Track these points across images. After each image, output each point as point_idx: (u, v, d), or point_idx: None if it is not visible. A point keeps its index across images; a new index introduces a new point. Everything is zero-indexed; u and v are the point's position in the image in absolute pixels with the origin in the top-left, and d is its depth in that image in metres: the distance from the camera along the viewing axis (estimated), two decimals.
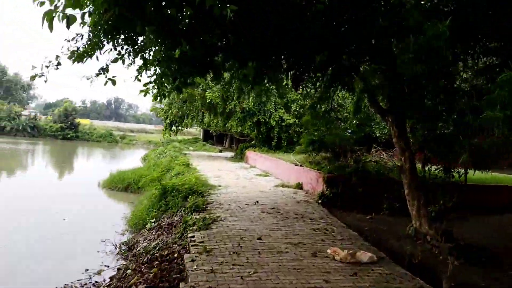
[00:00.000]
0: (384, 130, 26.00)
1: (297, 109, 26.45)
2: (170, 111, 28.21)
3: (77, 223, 12.33)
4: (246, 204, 11.16)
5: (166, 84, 9.12)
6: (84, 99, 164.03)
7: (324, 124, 12.12)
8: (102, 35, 6.65)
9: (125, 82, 10.03)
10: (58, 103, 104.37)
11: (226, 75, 12.40)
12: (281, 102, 26.67)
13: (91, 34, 6.78)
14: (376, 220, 10.93)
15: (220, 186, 14.52)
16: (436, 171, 10.24)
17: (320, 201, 12.33)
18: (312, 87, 11.20)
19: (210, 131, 48.29)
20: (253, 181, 16.55)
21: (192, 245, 7.23)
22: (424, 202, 8.85)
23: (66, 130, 64.32)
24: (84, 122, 73.07)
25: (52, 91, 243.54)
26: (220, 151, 39.00)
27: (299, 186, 14.93)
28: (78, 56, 6.87)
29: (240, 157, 28.86)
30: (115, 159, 41.29)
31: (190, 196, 11.34)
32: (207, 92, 25.87)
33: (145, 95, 9.26)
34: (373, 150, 17.52)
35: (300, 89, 11.52)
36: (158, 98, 9.52)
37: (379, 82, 8.99)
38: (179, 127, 30.30)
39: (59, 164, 33.29)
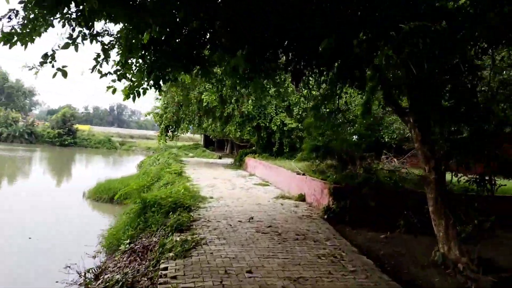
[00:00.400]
0: (393, 134, 24.35)
1: (300, 113, 24.81)
2: (165, 115, 26.63)
3: (44, 242, 10.73)
4: (239, 221, 9.51)
5: (135, 79, 7.54)
6: (86, 105, 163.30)
7: (330, 127, 10.48)
8: (41, 10, 5.06)
9: (82, 75, 8.44)
10: (60, 110, 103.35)
11: (218, 70, 10.85)
12: (282, 106, 25.07)
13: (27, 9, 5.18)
14: (392, 240, 9.25)
15: (212, 198, 12.89)
16: (464, 181, 8.56)
17: (325, 216, 10.67)
18: (315, 83, 9.57)
19: (210, 137, 46.68)
20: (250, 192, 14.90)
21: (160, 283, 5.59)
22: (454, 221, 7.18)
23: (63, 137, 62.87)
24: (82, 128, 71.65)
25: (56, 98, 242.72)
26: (220, 158, 37.38)
27: (301, 198, 13.27)
28: (7, 39, 5.27)
29: (239, 164, 27.22)
30: (111, 166, 39.75)
31: (172, 213, 9.69)
32: (203, 95, 24.30)
33: (113, 92, 7.67)
34: (383, 157, 15.89)
35: (301, 87, 9.88)
36: (131, 96, 7.92)
37: (398, 75, 7.37)
38: (175, 132, 28.68)
39: (50, 172, 31.76)
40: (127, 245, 8.72)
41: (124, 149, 66.69)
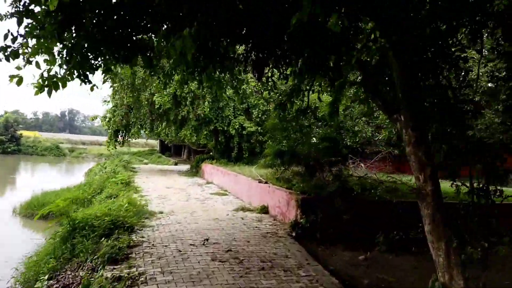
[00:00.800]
0: (355, 138, 23.32)
1: (259, 115, 23.36)
2: (113, 119, 24.42)
3: None
4: (191, 245, 7.80)
5: (48, 65, 5.73)
6: (36, 110, 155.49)
7: (297, 130, 8.99)
8: None
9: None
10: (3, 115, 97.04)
11: (167, 63, 9.13)
12: (241, 108, 23.51)
13: None
14: (374, 262, 7.83)
15: (161, 212, 11.09)
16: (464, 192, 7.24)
17: (293, 233, 9.15)
18: (281, 76, 8.04)
19: (166, 142, 44.42)
20: (207, 204, 13.19)
21: None
22: (457, 244, 5.79)
23: (6, 144, 58.51)
24: (28, 134, 67.19)
25: (3, 103, 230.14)
26: (175, 164, 35.32)
27: (264, 210, 11.72)
28: None
29: (195, 171, 25.39)
30: (55, 175, 36.77)
31: (107, 236, 7.84)
32: (155, 97, 22.36)
33: (18, 84, 5.80)
34: (349, 161, 14.61)
35: (265, 81, 8.33)
36: (46, 89, 6.06)
37: (388, 62, 5.94)
38: (126, 138, 26.45)
39: None
40: (45, 282, 6.80)
41: (73, 156, 62.98)
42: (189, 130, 23.20)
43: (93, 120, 29.78)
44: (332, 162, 11.12)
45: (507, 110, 7.82)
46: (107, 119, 25.77)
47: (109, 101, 26.21)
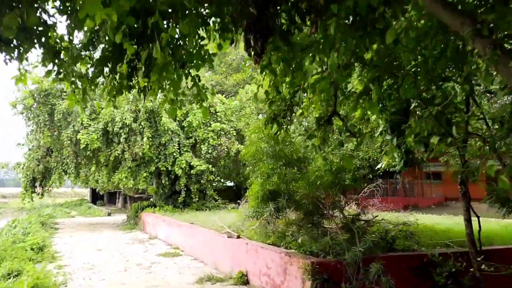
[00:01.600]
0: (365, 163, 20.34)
1: (209, 151, 19.78)
2: (27, 164, 19.70)
3: None
4: None
5: None
6: None
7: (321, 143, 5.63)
8: None
9: None
10: None
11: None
12: (187, 144, 19.84)
13: None
14: None
15: None
16: None
17: None
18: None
19: (97, 190, 39.09)
20: (155, 274, 9.25)
21: None
22: None
23: None
24: None
25: None
26: (109, 215, 30.39)
27: (243, 280, 8.04)
28: None
29: (134, 222, 20.99)
30: None
31: None
32: (80, 134, 18.13)
33: None
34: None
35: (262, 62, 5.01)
36: None
37: None
38: (46, 187, 21.56)
39: None
40: None
41: None
42: (125, 173, 19.04)
43: (3, 168, 24.55)
44: (334, 202, 7.79)
45: None
46: (21, 166, 20.91)
47: (23, 144, 21.42)
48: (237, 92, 24.75)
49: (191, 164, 19.17)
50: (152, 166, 19.19)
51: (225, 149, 20.02)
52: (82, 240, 15.07)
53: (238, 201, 10.75)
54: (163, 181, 19.75)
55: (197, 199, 19.69)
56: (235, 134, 20.61)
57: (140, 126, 18.72)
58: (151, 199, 27.45)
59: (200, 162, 19.42)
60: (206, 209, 20.26)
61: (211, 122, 20.29)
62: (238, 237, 8.90)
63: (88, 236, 16.49)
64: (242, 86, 25.48)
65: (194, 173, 19.11)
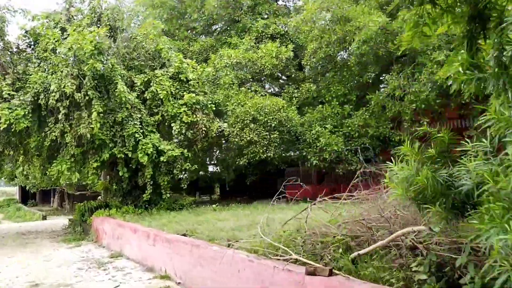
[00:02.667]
0: (323, 153, 16.11)
1: (184, 132, 14.85)
2: None
3: None
4: None
5: None
6: None
7: None
8: None
9: None
10: None
11: None
12: (153, 121, 14.80)
13: None
14: None
15: None
16: None
17: None
18: None
19: (27, 188, 32.43)
20: None
21: None
22: None
23: None
24: None
25: None
26: (44, 218, 24.46)
27: None
28: None
29: (81, 230, 15.64)
30: None
31: None
32: None
33: None
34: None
35: None
36: None
37: None
38: None
39: None
40: None
41: None
42: (66, 163, 13.67)
43: None
44: None
45: None
46: None
47: None
48: (207, 60, 19.85)
49: (160, 149, 14.17)
50: (105, 153, 13.98)
51: (203, 128, 15.17)
52: (5, 267, 9.77)
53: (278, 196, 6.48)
54: (120, 173, 14.56)
55: (168, 195, 14.73)
56: (214, 108, 15.79)
57: (87, 97, 13.44)
58: (99, 197, 22.03)
59: (171, 146, 14.46)
60: (179, 208, 15.40)
61: (183, 93, 15.34)
62: (331, 273, 4.38)
63: (18, 257, 11.12)
64: (211, 52, 20.60)
65: (164, 160, 14.12)
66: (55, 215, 28.18)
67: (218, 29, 23.80)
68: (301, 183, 7.45)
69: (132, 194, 15.77)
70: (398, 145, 15.78)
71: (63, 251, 11.77)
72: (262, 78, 19.53)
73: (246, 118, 15.52)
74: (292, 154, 17.27)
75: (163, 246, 8.04)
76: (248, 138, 15.23)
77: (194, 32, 23.36)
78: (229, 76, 17.40)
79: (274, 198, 7.49)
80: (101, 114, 13.51)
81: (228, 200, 24.91)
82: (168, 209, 14.98)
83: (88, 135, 13.25)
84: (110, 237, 11.70)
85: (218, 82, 17.50)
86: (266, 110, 15.58)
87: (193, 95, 15.12)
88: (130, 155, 14.07)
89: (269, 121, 15.57)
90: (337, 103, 17.43)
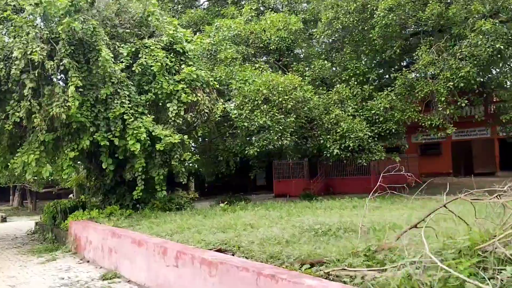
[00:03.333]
0: (355, 141, 13.69)
1: (180, 113, 12.01)
2: None
3: None
4: None
5: None
6: None
7: None
8: None
9: None
10: None
11: None
12: (144, 100, 11.90)
13: None
14: None
15: None
16: None
17: None
18: None
19: None
20: None
21: None
22: None
23: None
24: None
25: None
26: (4, 220, 20.95)
27: None
28: None
29: (53, 236, 12.56)
30: None
31: None
32: None
33: None
34: None
35: None
36: None
37: None
38: None
39: None
40: None
41: None
42: (35, 152, 10.61)
43: None
44: None
45: None
46: None
47: None
48: (200, 32, 16.99)
49: (154, 134, 11.32)
50: (84, 139, 11.00)
51: (205, 110, 12.41)
52: None
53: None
54: (103, 165, 11.59)
55: (164, 192, 11.90)
56: (217, 86, 13.03)
57: (61, 67, 10.44)
58: (70, 196, 18.89)
59: (168, 131, 11.62)
60: (177, 208, 12.65)
61: (179, 67, 12.52)
62: None
63: None
64: (202, 25, 17.74)
65: (161, 149, 11.28)
66: (16, 216, 24.64)
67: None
68: (407, 173, 4.92)
69: (116, 191, 12.85)
70: (427, 130, 13.05)
71: (34, 268, 8.78)
72: (267, 54, 16.80)
73: (257, 98, 12.84)
74: (303, 142, 14.60)
75: (198, 271, 5.32)
76: (261, 122, 12.55)
77: (180, 6, 20.36)
78: (230, 50, 14.63)
79: (371, 194, 5.01)
80: (80, 90, 10.54)
81: (209, 197, 22.19)
82: (163, 209, 12.20)
83: (63, 116, 10.27)
84: (99, 249, 8.80)
85: (217, 57, 14.69)
86: (280, 88, 12.95)
87: (194, 68, 12.32)
88: (117, 142, 11.14)
89: (284, 101, 12.94)
90: (356, 83, 15.02)
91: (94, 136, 10.96)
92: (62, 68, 10.45)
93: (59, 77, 10.74)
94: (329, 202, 12.00)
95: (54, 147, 11.30)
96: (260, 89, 12.87)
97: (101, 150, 11.47)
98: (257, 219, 8.60)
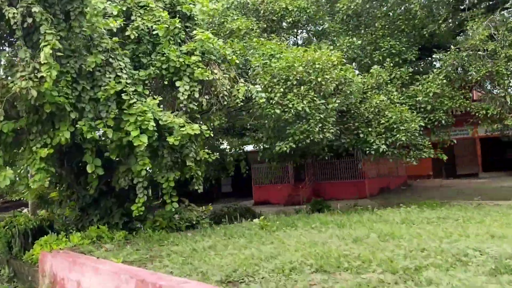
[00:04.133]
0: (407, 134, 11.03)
1: (194, 95, 8.67)
2: None
3: None
4: None
5: None
6: None
7: None
8: None
9: None
10: None
11: None
12: (141, 77, 8.45)
13: None
14: None
15: None
16: None
17: None
18: None
19: None
20: None
21: None
22: None
23: None
24: None
25: None
26: None
27: None
28: None
29: (11, 273, 8.70)
30: None
31: None
32: None
33: None
34: None
35: None
36: None
37: None
38: None
39: None
40: None
41: None
42: None
43: None
44: None
45: None
46: None
47: None
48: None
49: (164, 123, 7.92)
50: (62, 130, 7.38)
51: (224, 92, 9.16)
52: None
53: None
54: (88, 168, 7.95)
55: (176, 205, 8.45)
56: (237, 62, 9.80)
57: (29, 21, 6.82)
58: (25, 211, 14.83)
59: (181, 120, 8.19)
60: (187, 227, 9.29)
61: (188, 34, 9.21)
62: None
63: None
64: None
65: (173, 144, 7.87)
66: None
67: None
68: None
69: (100, 205, 9.25)
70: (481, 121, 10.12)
71: None
72: (282, 28, 13.66)
73: (292, 77, 9.78)
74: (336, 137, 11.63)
75: None
76: (299, 108, 9.48)
77: None
78: (242, 21, 11.49)
79: None
80: (58, 55, 6.97)
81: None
82: (169, 228, 8.82)
83: (34, 94, 6.66)
84: None
85: (226, 29, 11.49)
86: (317, 65, 9.97)
87: (210, 35, 9.06)
88: (110, 135, 7.63)
89: (323, 82, 9.97)
90: (391, 64, 12.38)
91: (78, 125, 7.40)
92: (30, 22, 6.84)
93: (24, 35, 7.06)
94: (386, 213, 9.14)
95: (15, 141, 7.60)
96: (295, 65, 9.80)
97: (85, 146, 7.89)
98: (371, 244, 5.52)
